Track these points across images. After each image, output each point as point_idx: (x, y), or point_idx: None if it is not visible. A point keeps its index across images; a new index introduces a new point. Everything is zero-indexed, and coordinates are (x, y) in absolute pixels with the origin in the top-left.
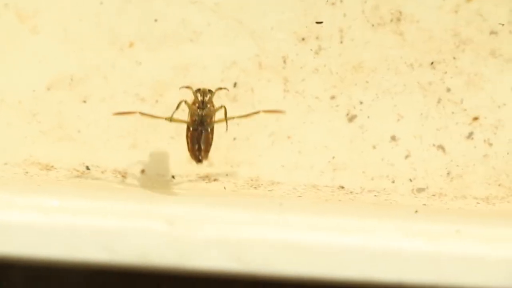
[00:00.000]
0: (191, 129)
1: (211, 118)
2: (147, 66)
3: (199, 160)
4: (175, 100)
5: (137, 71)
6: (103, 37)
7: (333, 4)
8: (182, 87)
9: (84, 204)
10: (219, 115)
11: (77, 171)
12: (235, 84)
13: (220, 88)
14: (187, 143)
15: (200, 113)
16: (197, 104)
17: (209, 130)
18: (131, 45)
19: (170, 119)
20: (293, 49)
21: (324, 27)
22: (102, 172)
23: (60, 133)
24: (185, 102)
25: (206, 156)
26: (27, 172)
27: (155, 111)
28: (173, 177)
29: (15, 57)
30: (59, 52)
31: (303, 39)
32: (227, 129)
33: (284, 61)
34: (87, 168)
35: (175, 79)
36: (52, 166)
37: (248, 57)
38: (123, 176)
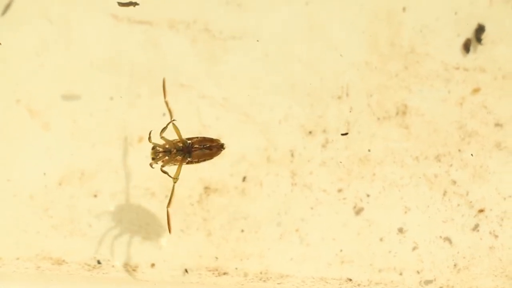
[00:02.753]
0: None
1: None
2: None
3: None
4: (185, 194)
5: (147, 165)
6: (113, 132)
7: (339, 98)
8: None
9: None
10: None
11: (88, 265)
12: (244, 178)
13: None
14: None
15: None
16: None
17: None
18: (140, 140)
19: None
20: (301, 143)
21: (331, 120)
22: (113, 266)
23: (72, 228)
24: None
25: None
26: (38, 267)
27: (165, 205)
28: (186, 271)
29: (26, 153)
30: (70, 147)
31: (310, 132)
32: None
33: (292, 155)
34: (98, 262)
35: (184, 173)
36: (64, 261)
37: (256, 151)
38: (133, 270)
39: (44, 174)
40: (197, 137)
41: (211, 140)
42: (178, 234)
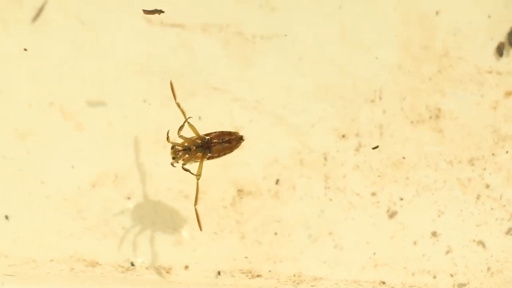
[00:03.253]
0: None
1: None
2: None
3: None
4: (218, 197)
5: (180, 168)
6: (146, 134)
7: (372, 101)
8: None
9: None
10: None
11: (122, 267)
12: (277, 181)
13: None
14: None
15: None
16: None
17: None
18: None
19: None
20: (334, 146)
21: (364, 124)
22: (147, 268)
23: (105, 230)
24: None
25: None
26: (72, 269)
27: (198, 207)
28: (219, 273)
29: (60, 155)
30: (103, 149)
31: (343, 136)
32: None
33: (325, 158)
34: (132, 264)
35: (217, 176)
36: (97, 263)
37: (289, 154)
38: (167, 272)
39: (78, 176)
40: (215, 132)
41: (230, 133)
42: (212, 237)
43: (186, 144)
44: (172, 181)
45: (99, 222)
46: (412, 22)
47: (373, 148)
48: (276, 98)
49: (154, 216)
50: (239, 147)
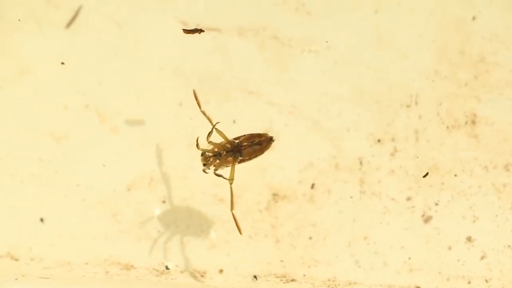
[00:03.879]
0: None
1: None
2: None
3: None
4: (254, 201)
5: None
6: (181, 137)
7: (408, 106)
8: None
9: None
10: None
11: (157, 270)
12: (312, 185)
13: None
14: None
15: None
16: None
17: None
18: None
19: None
20: (369, 151)
21: (400, 129)
22: (181, 272)
23: (140, 233)
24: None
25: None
26: (107, 272)
27: (234, 212)
28: (254, 277)
29: (96, 157)
30: (139, 152)
31: (379, 140)
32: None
33: (361, 162)
34: (167, 267)
35: (253, 180)
36: (132, 266)
37: (325, 158)
38: (202, 276)
39: (113, 179)
40: (244, 135)
41: (259, 135)
42: (247, 241)
43: (216, 150)
44: (207, 185)
45: (134, 225)
46: (448, 28)
47: (424, 176)
48: (312, 102)
49: (189, 220)
50: (270, 148)
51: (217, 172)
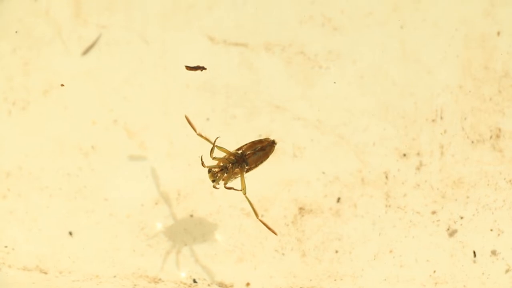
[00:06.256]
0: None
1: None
2: (251, 181)
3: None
4: (280, 215)
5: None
6: (208, 152)
7: (433, 121)
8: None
9: None
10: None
11: (184, 284)
12: (338, 199)
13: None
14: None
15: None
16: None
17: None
18: None
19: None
20: (395, 165)
21: (425, 143)
22: (209, 285)
23: (167, 247)
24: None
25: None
26: (135, 285)
27: (260, 226)
28: None
29: (123, 172)
30: (166, 167)
31: (404, 155)
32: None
33: (386, 177)
34: (194, 281)
35: (279, 194)
36: (160, 279)
37: (350, 172)
38: None
39: (141, 193)
40: (246, 144)
41: (260, 141)
42: (273, 254)
43: (221, 164)
44: (234, 199)
45: (162, 239)
46: (473, 43)
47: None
48: (337, 117)
49: (216, 234)
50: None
51: (228, 185)
